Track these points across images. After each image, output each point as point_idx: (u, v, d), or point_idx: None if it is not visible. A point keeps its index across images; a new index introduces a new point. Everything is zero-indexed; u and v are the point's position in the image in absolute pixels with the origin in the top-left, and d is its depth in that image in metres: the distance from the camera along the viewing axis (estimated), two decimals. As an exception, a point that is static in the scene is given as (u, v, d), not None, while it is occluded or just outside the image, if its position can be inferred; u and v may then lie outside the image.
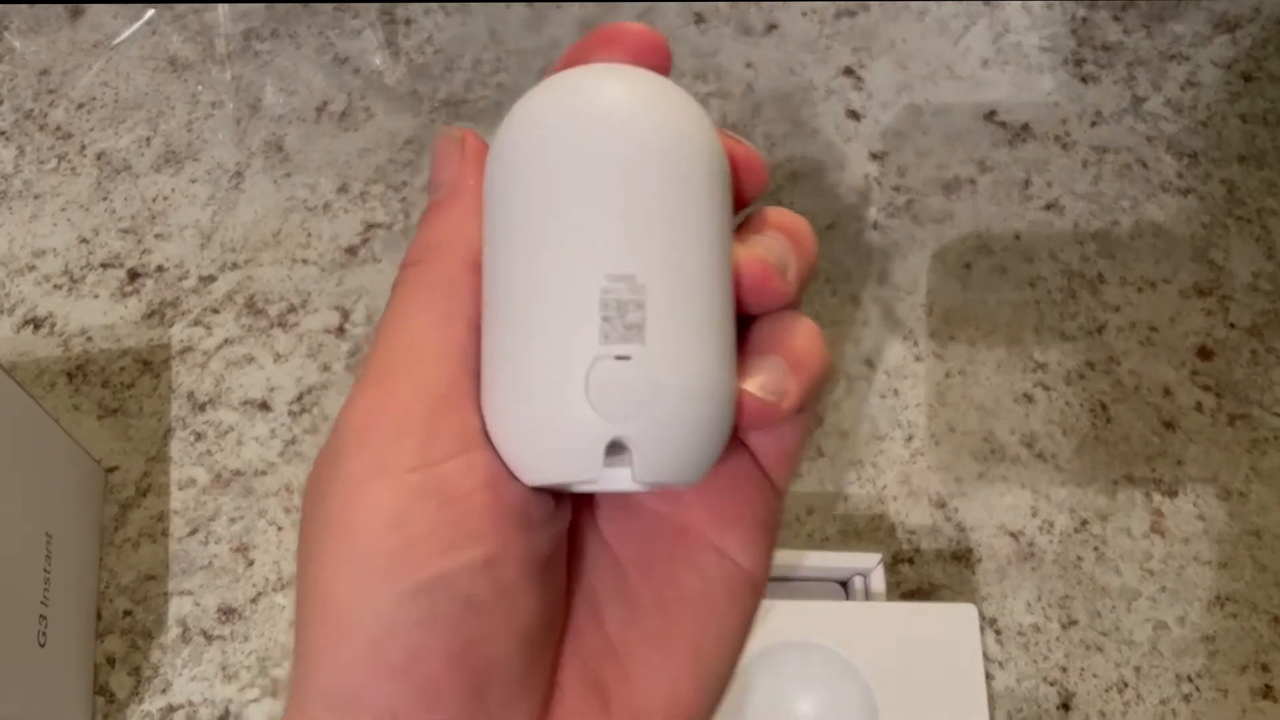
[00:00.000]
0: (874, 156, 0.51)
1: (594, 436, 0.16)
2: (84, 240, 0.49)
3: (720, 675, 0.19)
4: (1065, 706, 0.42)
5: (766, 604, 0.35)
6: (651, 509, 0.20)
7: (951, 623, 0.36)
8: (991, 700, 0.41)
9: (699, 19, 0.54)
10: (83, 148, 0.51)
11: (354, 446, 0.17)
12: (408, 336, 0.18)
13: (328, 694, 0.16)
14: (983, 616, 0.42)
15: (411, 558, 0.16)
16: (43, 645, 0.38)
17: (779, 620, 0.36)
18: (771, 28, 0.54)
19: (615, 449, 0.17)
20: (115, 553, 0.44)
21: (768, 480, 0.20)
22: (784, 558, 0.38)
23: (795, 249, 0.19)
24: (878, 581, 0.38)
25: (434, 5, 0.54)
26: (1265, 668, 0.42)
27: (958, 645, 0.36)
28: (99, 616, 0.43)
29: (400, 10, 0.54)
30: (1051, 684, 0.42)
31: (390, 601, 0.16)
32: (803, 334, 0.18)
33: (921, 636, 0.36)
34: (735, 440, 0.19)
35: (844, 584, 0.41)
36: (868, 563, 0.39)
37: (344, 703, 0.16)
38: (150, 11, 0.54)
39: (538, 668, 0.18)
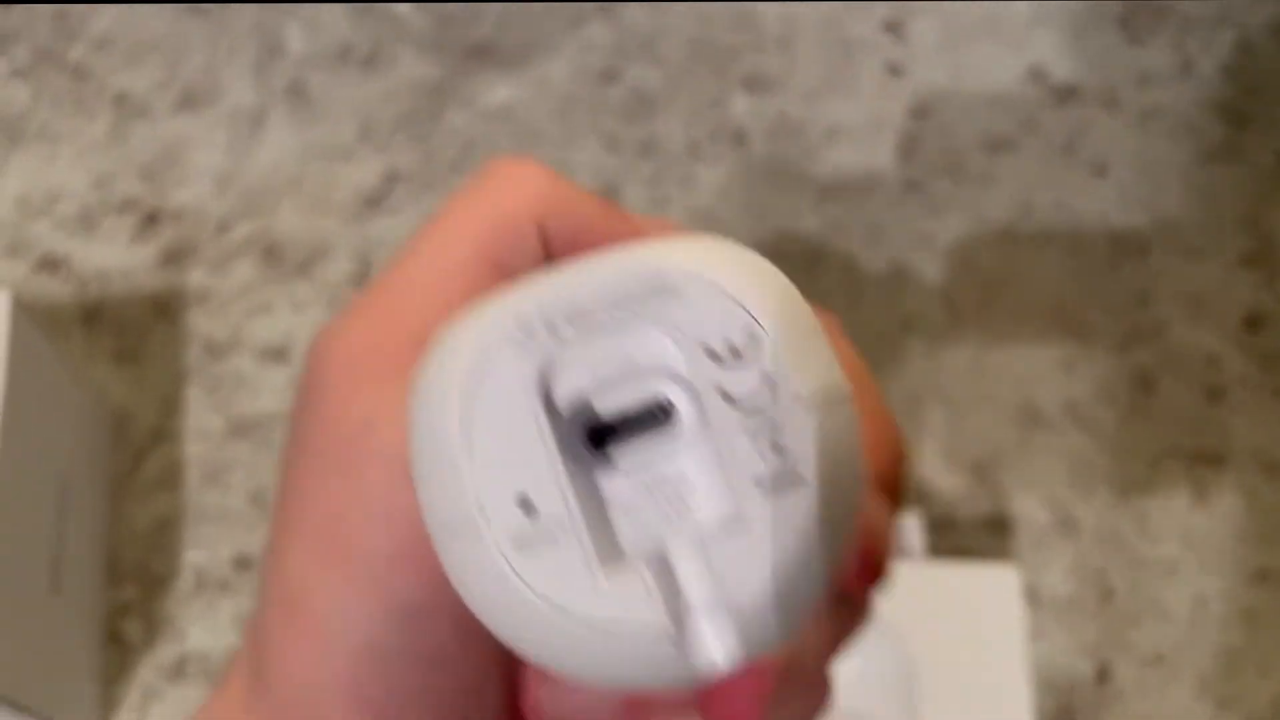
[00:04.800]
0: (914, 114, 0.50)
1: None
2: (101, 183, 0.48)
3: None
4: (1102, 678, 0.41)
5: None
6: None
7: (992, 586, 0.35)
8: (1032, 665, 0.40)
9: (735, -29, 0.52)
10: (100, 89, 0.50)
11: (345, 381, 0.14)
12: (411, 259, 0.15)
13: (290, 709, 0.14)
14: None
15: (413, 567, 0.13)
16: (55, 592, 0.37)
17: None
18: (810, -19, 0.52)
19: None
20: (129, 500, 0.43)
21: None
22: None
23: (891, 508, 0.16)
24: (917, 543, 0.37)
25: (463, -49, 0.53)
26: (1309, 645, 0.41)
27: (997, 608, 0.35)
28: (112, 565, 0.42)
29: (428, -45, 0.53)
30: (1089, 656, 0.41)
31: (379, 622, 0.14)
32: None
33: (961, 599, 0.35)
34: None
35: (880, 547, 0.40)
36: (906, 524, 0.38)
37: None
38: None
39: None
